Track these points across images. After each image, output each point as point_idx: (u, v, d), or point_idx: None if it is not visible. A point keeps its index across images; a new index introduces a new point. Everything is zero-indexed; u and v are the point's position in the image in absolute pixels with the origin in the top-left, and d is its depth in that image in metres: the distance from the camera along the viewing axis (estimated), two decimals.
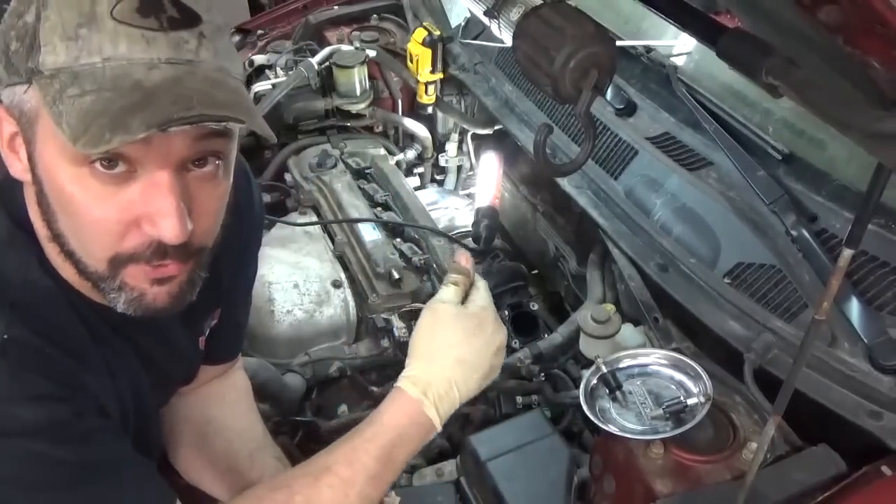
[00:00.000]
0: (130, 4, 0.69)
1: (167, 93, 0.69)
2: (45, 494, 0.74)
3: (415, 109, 2.12)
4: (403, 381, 0.93)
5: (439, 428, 0.92)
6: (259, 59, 2.09)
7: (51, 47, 0.69)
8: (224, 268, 1.02)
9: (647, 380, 1.11)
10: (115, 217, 0.74)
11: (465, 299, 0.98)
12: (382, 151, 2.03)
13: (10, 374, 0.73)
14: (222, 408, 1.18)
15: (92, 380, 0.80)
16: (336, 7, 2.27)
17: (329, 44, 2.11)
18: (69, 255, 0.78)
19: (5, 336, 0.73)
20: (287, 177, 1.95)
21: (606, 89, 0.91)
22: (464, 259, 1.01)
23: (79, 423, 0.76)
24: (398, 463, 0.90)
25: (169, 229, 0.74)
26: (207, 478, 1.12)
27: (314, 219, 1.80)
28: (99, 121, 0.67)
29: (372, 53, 2.06)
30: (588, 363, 1.29)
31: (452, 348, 0.93)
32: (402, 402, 0.91)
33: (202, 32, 0.73)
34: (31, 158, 0.75)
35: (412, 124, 2.10)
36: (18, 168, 0.77)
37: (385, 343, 1.54)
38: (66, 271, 0.81)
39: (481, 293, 0.99)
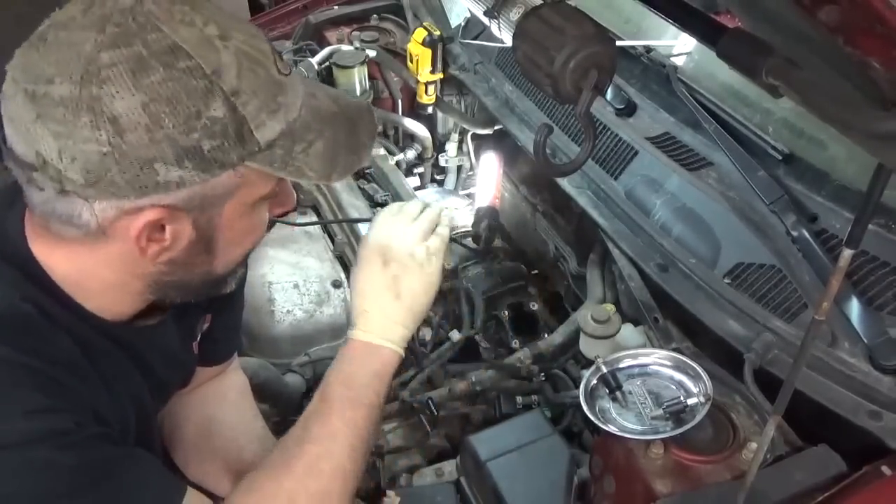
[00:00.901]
0: (278, 56, 0.79)
1: (345, 107, 0.87)
2: (58, 502, 0.74)
3: (415, 109, 2.12)
4: (352, 332, 1.02)
5: (386, 344, 1.01)
6: None
7: (263, 126, 0.76)
8: None
9: (647, 380, 1.11)
10: (268, 218, 0.89)
11: None
12: (382, 151, 2.03)
13: (2, 394, 0.73)
14: (223, 407, 1.18)
15: (87, 391, 0.80)
16: (336, 7, 2.27)
17: (329, 44, 2.11)
18: (203, 283, 0.87)
19: None
20: None
21: (606, 89, 0.91)
22: (443, 220, 1.11)
23: (79, 430, 0.75)
24: (361, 382, 0.98)
25: (294, 201, 0.93)
26: (210, 476, 1.12)
27: (314, 219, 1.80)
28: (340, 153, 0.83)
29: (372, 53, 2.05)
30: (588, 363, 1.29)
31: (387, 289, 1.03)
32: (353, 344, 1.01)
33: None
34: (201, 229, 0.79)
35: (412, 124, 2.10)
36: (155, 249, 0.78)
37: None
38: (107, 304, 0.84)
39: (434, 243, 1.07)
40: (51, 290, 0.80)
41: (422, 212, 1.08)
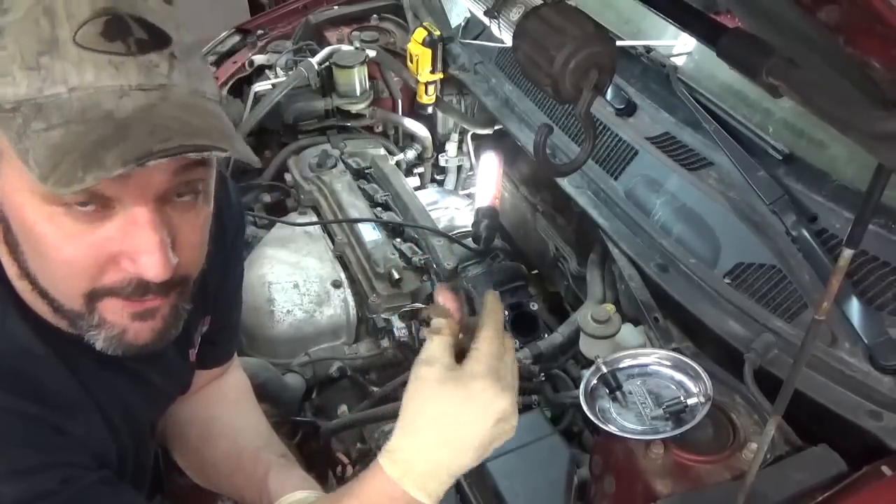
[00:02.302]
0: (94, 28, 0.65)
1: (142, 123, 0.64)
2: None
3: (415, 109, 2.12)
4: (384, 457, 0.79)
5: (429, 500, 0.78)
6: (259, 59, 2.09)
7: (10, 78, 0.64)
8: (210, 276, 0.97)
9: (647, 380, 1.11)
10: (91, 257, 0.70)
11: (461, 349, 0.81)
12: (382, 151, 2.03)
13: None
14: (225, 408, 1.18)
15: (82, 428, 0.77)
16: (336, 7, 2.27)
17: (329, 44, 2.11)
18: (42, 293, 0.74)
19: None
20: (287, 177, 1.95)
21: (606, 89, 0.91)
22: (443, 297, 0.82)
23: (66, 489, 0.72)
24: None
25: (151, 267, 0.70)
26: (214, 477, 1.12)
27: (314, 219, 1.80)
28: (69, 157, 0.62)
29: (372, 53, 2.06)
30: (588, 363, 1.29)
31: (437, 423, 0.77)
32: (382, 480, 0.78)
33: (173, 53, 0.68)
34: None
35: (412, 124, 2.10)
36: None
37: (385, 343, 1.54)
38: (41, 309, 0.76)
39: (483, 347, 0.79)
40: (25, 309, 0.77)
41: None
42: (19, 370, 0.74)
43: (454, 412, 0.76)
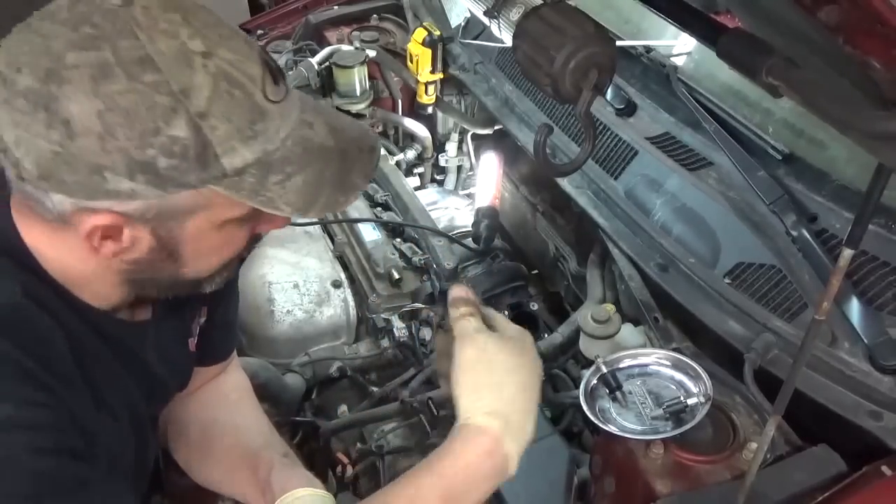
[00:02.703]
0: (269, 81, 0.75)
1: (349, 143, 0.82)
2: (13, 501, 0.69)
3: (415, 109, 2.12)
4: (477, 417, 0.81)
5: (514, 469, 0.82)
6: None
7: (233, 153, 0.72)
8: None
9: (647, 380, 1.11)
10: (248, 239, 0.86)
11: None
12: (382, 151, 2.03)
13: None
14: (227, 407, 1.18)
15: (73, 400, 0.77)
16: (336, 7, 2.27)
17: (329, 44, 2.11)
18: (170, 286, 0.85)
19: None
20: None
21: (606, 89, 0.91)
22: (462, 291, 0.91)
23: (55, 434, 0.72)
24: None
25: (284, 222, 0.88)
26: (215, 476, 1.12)
27: (314, 219, 1.80)
28: (323, 190, 0.79)
29: (372, 53, 2.06)
30: (588, 363, 1.29)
31: (514, 373, 0.84)
32: (477, 439, 0.80)
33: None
34: (162, 239, 0.77)
35: (412, 124, 2.10)
36: (111, 250, 0.77)
37: (385, 343, 1.54)
38: (93, 296, 0.83)
39: (502, 320, 0.90)
40: (45, 279, 0.79)
41: None
42: (22, 329, 0.75)
43: (521, 364, 0.85)
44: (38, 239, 0.79)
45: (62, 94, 0.66)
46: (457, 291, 0.91)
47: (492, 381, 0.83)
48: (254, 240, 0.90)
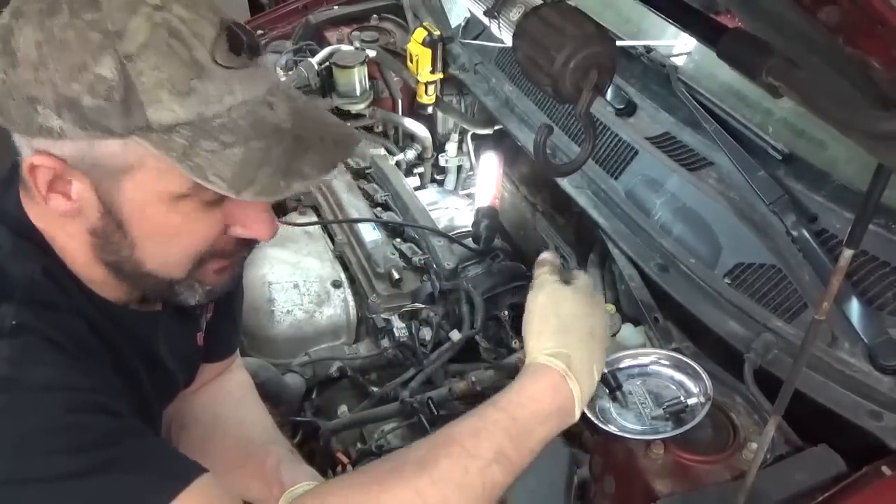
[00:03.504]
0: (223, 45, 0.71)
1: (310, 131, 0.76)
2: (58, 458, 0.69)
3: (415, 109, 2.12)
4: (542, 357, 0.84)
5: (578, 412, 0.84)
6: None
7: (159, 104, 0.69)
8: None
9: (647, 380, 1.10)
10: (213, 232, 0.80)
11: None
12: (382, 151, 2.03)
13: (23, 349, 0.72)
14: (231, 405, 1.18)
15: (99, 373, 0.79)
16: (336, 7, 2.28)
17: (329, 44, 2.11)
18: (137, 275, 0.81)
19: (14, 322, 0.72)
20: None
21: (606, 89, 0.91)
22: (549, 254, 0.97)
23: (92, 395, 0.74)
24: (531, 445, 0.80)
25: (266, 231, 0.82)
26: (220, 473, 1.10)
27: (314, 219, 1.80)
28: (264, 171, 0.71)
29: (372, 53, 2.06)
30: None
31: (582, 319, 0.87)
32: (544, 375, 0.82)
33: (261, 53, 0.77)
34: (106, 201, 0.75)
35: (412, 124, 2.10)
36: (64, 207, 0.76)
37: (385, 343, 1.54)
38: (98, 282, 0.82)
39: (581, 276, 0.94)
40: (62, 266, 0.81)
41: None
42: (48, 309, 0.76)
43: (591, 311, 0.89)
44: (43, 221, 0.81)
45: (16, 27, 0.69)
46: (544, 255, 0.97)
47: (559, 325, 0.86)
48: (239, 248, 0.84)
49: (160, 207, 0.75)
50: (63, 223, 0.80)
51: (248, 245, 0.86)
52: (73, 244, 0.81)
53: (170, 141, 0.70)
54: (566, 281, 0.93)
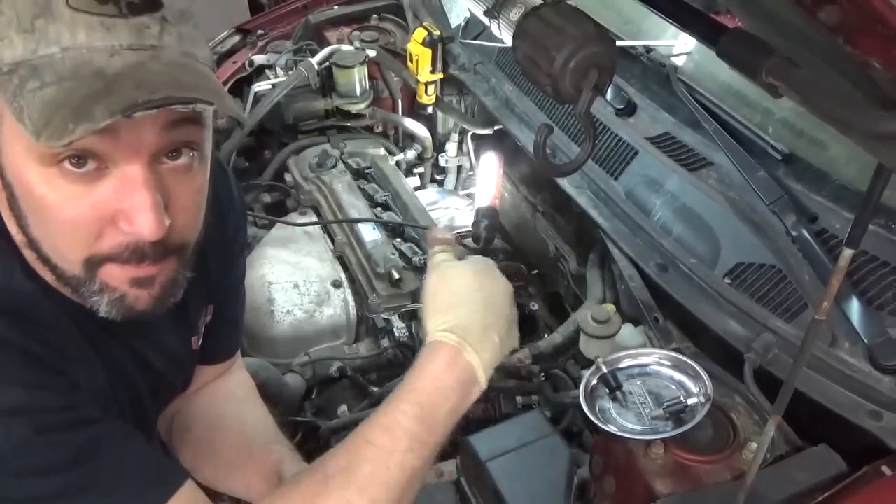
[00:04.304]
0: None
1: (129, 78, 0.66)
2: (29, 479, 0.70)
3: (415, 109, 2.12)
4: (437, 334, 0.85)
5: (483, 379, 0.84)
6: (259, 59, 2.09)
7: (7, 41, 0.66)
8: (212, 264, 1.01)
9: (647, 380, 1.10)
10: (88, 216, 0.71)
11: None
12: (382, 151, 2.03)
13: None
14: (233, 405, 1.18)
15: (85, 378, 0.77)
16: (336, 7, 2.28)
17: (329, 44, 2.11)
18: (45, 260, 0.76)
19: None
20: (287, 177, 1.95)
21: (606, 89, 0.91)
22: (438, 232, 1.00)
23: (67, 413, 0.72)
24: (441, 423, 0.82)
25: (145, 225, 0.71)
26: (222, 475, 1.11)
27: (314, 219, 1.80)
28: (61, 112, 0.64)
29: (372, 53, 2.06)
30: (588, 363, 1.29)
31: (476, 292, 0.88)
32: (439, 352, 0.84)
33: (164, 17, 0.70)
34: None
35: (412, 124, 2.10)
36: None
37: (385, 343, 1.54)
38: (47, 276, 0.78)
39: (472, 256, 0.98)
40: (36, 275, 0.78)
41: None
42: (24, 313, 0.74)
43: (486, 283, 0.90)
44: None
45: None
46: (433, 233, 1.01)
47: (451, 302, 0.87)
48: (134, 254, 0.74)
49: (32, 173, 0.70)
50: (4, 209, 0.76)
51: (144, 255, 0.75)
52: (13, 232, 0.77)
53: (9, 81, 0.66)
54: (460, 258, 0.95)
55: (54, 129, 0.63)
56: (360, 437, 0.81)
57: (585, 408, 1.05)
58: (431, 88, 2.04)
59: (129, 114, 0.64)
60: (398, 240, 1.71)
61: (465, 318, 0.86)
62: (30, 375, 0.71)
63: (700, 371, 1.07)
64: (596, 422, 1.03)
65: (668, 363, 1.11)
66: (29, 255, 0.77)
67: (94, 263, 0.75)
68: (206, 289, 1.02)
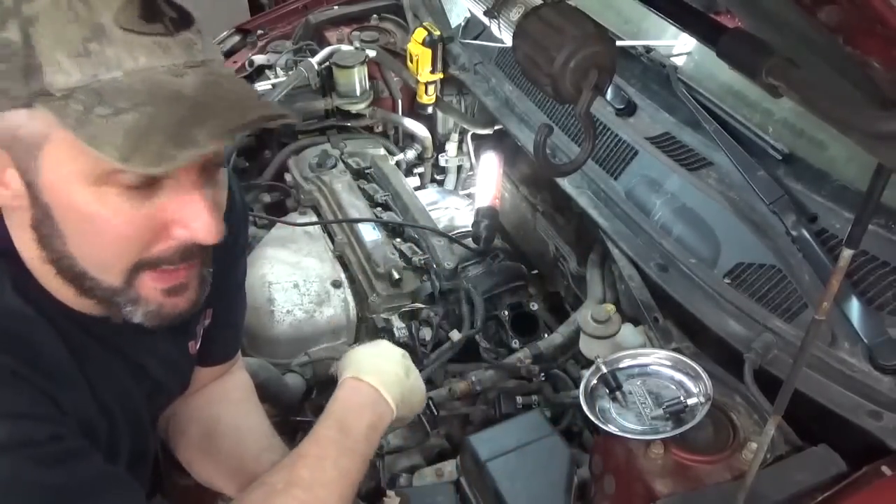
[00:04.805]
0: (132, 11, 0.68)
1: (217, 99, 0.70)
2: None
3: (415, 109, 2.12)
4: (356, 377, 1.06)
5: (388, 397, 1.04)
6: (259, 59, 2.09)
7: (57, 66, 0.66)
8: (213, 268, 1.01)
9: (647, 380, 1.11)
10: (142, 228, 0.73)
11: None
12: (382, 151, 2.03)
13: None
14: (229, 407, 1.18)
15: (70, 399, 0.77)
16: (336, 7, 2.27)
17: (329, 44, 2.11)
18: (76, 276, 0.76)
19: None
20: (287, 177, 1.95)
21: (606, 89, 0.92)
22: None
23: (54, 444, 0.72)
24: (359, 436, 0.99)
25: (204, 230, 0.75)
26: (217, 477, 1.11)
27: (314, 219, 1.80)
28: (154, 138, 0.65)
29: (372, 53, 2.05)
30: (588, 363, 1.29)
31: (376, 356, 1.10)
32: (348, 385, 1.05)
33: (199, 30, 0.72)
34: (30, 185, 0.72)
35: (412, 124, 2.10)
36: (6, 196, 0.73)
37: None
38: (63, 293, 0.79)
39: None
40: (38, 283, 0.78)
41: None
42: (11, 332, 0.74)
43: (382, 351, 1.12)
44: (4, 231, 0.78)
45: None
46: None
47: (363, 358, 1.09)
48: (183, 256, 0.77)
49: (81, 193, 0.71)
50: (12, 223, 0.76)
51: (192, 255, 0.78)
52: (25, 249, 0.77)
53: (66, 107, 0.66)
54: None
55: (150, 155, 0.65)
56: (294, 455, 0.95)
57: (585, 408, 1.05)
58: (431, 88, 2.04)
59: (232, 136, 0.69)
60: (398, 240, 1.71)
61: (363, 361, 1.08)
62: (19, 403, 0.71)
63: (700, 371, 1.07)
64: (596, 422, 1.03)
65: (668, 363, 1.11)
66: (46, 271, 0.78)
67: (138, 268, 0.77)
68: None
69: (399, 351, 1.14)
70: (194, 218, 0.74)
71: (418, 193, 1.90)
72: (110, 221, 0.72)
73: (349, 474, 0.95)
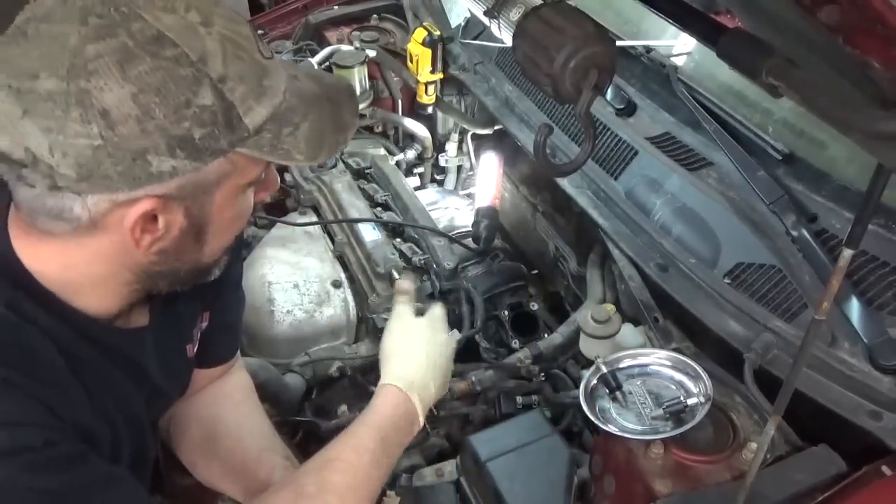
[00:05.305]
0: (259, 40, 0.78)
1: (332, 89, 0.87)
2: None
3: (415, 109, 2.12)
4: (391, 378, 1.06)
5: (421, 419, 1.05)
6: None
7: (251, 111, 0.75)
8: None
9: (647, 380, 1.11)
10: (251, 206, 0.88)
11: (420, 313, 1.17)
12: (382, 151, 2.03)
13: None
14: (230, 407, 1.18)
15: (66, 405, 0.77)
16: (336, 7, 2.27)
17: (329, 44, 2.11)
18: (189, 273, 0.87)
19: None
20: (287, 177, 1.95)
21: (606, 89, 0.92)
22: (405, 283, 1.22)
23: (49, 450, 0.73)
24: (393, 448, 1.01)
25: (276, 185, 0.93)
26: (218, 477, 1.12)
27: (314, 219, 1.80)
28: (326, 135, 0.82)
29: (372, 53, 2.05)
30: (588, 363, 1.29)
31: (423, 346, 1.10)
32: (392, 396, 1.04)
33: None
34: (195, 217, 0.79)
35: (412, 124, 2.10)
36: (147, 242, 0.78)
37: None
38: (93, 300, 0.83)
39: (437, 308, 1.18)
40: (35, 292, 0.79)
41: None
42: (7, 346, 0.75)
43: (431, 341, 1.12)
44: (40, 252, 0.79)
45: (93, 87, 0.67)
46: (401, 283, 1.23)
47: (404, 354, 1.09)
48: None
49: (241, 198, 0.83)
50: (76, 248, 0.78)
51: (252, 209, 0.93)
52: (81, 270, 0.80)
53: (260, 140, 0.77)
54: (420, 311, 1.17)
55: (330, 147, 0.84)
56: (326, 457, 0.96)
57: (585, 408, 1.05)
58: (431, 88, 2.04)
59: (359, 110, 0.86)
60: (398, 240, 1.71)
61: (412, 370, 1.07)
62: (14, 411, 0.72)
63: (700, 371, 1.07)
64: (596, 422, 1.03)
65: (668, 363, 1.11)
66: (100, 293, 0.83)
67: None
68: (202, 296, 1.02)
69: (449, 351, 1.14)
70: (275, 182, 0.92)
71: (418, 193, 1.90)
72: (242, 214, 0.86)
73: (377, 484, 0.98)
